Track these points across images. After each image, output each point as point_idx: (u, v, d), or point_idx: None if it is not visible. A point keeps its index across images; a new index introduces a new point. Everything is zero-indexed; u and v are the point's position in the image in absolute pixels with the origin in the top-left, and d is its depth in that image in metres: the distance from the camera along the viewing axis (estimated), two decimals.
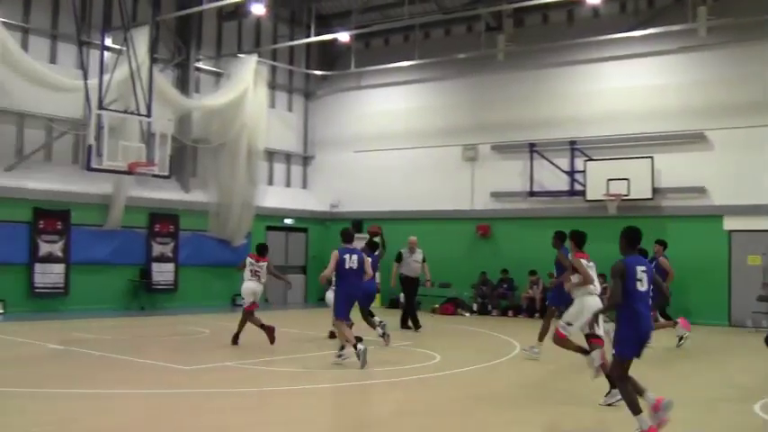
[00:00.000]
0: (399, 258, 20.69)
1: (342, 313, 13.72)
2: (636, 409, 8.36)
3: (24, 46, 22.78)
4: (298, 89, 31.48)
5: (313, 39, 27.25)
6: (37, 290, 22.44)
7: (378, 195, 29.14)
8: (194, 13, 25.17)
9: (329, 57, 31.20)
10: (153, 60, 22.89)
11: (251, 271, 16.40)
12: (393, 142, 29.42)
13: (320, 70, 30.90)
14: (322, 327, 18.04)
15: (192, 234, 26.19)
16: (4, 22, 21.45)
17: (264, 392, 11.51)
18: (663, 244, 18.03)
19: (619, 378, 8.63)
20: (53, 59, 23.72)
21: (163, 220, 25.42)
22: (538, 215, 26.04)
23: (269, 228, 28.70)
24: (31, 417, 9.28)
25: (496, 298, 26.08)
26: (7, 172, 22.26)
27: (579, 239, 12.11)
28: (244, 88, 26.57)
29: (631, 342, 8.50)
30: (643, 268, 8.57)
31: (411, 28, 28.04)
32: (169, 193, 25.56)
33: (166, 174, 21.64)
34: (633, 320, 8.45)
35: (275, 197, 29.21)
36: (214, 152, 26.85)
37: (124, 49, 21.45)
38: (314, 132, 31.83)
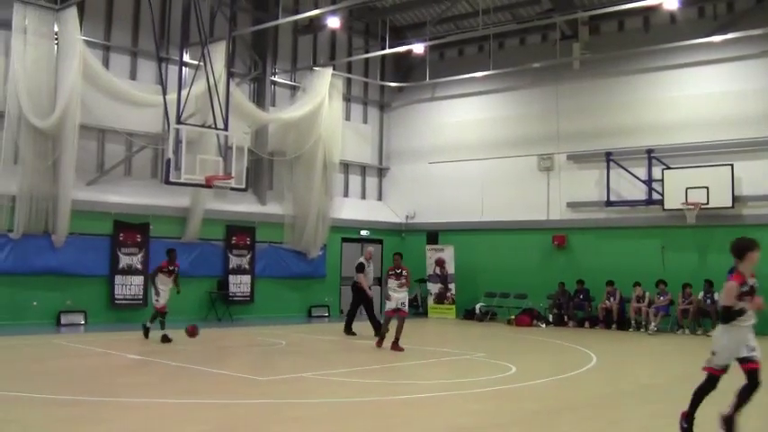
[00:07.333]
0: (362, 269, 20.91)
1: None
2: None
3: (105, 63, 23.36)
4: (373, 101, 31.63)
5: (387, 51, 27.27)
6: (117, 301, 22.91)
7: (453, 206, 29.12)
8: (270, 27, 25.44)
9: (404, 68, 31.26)
10: (230, 75, 23.22)
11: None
12: (468, 153, 29.35)
13: (395, 82, 30.99)
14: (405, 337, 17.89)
15: (268, 246, 26.48)
16: (86, 41, 22.06)
17: (334, 404, 11.42)
18: None
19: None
20: (133, 76, 24.28)
21: (240, 233, 25.75)
22: (615, 225, 25.69)
23: (344, 239, 28.86)
24: (104, 426, 9.37)
25: (573, 309, 25.72)
26: (89, 186, 22.78)
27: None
28: (319, 101, 26.84)
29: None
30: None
31: (485, 38, 27.73)
32: (246, 206, 25.90)
33: (243, 186, 21.83)
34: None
35: (351, 209, 29.44)
36: (290, 165, 27.18)
37: (202, 64, 21.74)
38: (389, 144, 31.94)
